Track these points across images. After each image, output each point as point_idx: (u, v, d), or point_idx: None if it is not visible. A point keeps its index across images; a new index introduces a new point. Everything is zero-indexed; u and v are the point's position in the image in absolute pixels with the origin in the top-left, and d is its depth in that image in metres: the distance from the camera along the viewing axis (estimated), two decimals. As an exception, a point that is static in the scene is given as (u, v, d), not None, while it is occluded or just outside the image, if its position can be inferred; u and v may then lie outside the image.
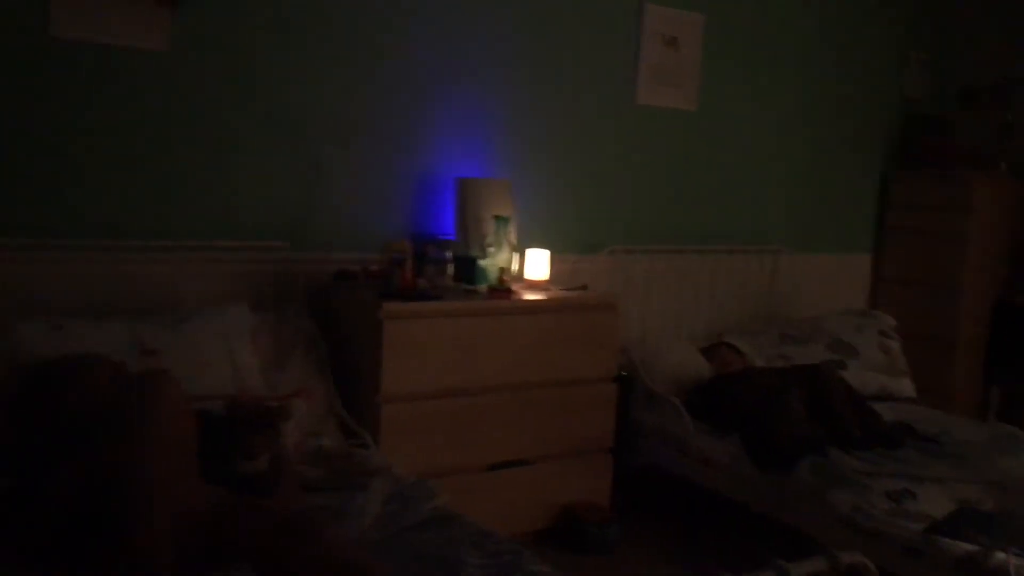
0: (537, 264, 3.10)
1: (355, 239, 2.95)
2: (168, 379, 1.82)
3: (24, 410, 1.90)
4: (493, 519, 2.42)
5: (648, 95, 3.58)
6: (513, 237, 2.95)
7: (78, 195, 2.51)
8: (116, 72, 2.52)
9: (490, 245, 2.91)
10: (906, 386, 3.68)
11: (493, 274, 2.86)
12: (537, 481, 2.86)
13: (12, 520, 1.68)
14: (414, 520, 1.93)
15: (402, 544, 1.86)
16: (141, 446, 1.61)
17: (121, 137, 2.56)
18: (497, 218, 2.91)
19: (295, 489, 1.99)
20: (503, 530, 2.04)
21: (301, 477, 2.10)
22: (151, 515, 1.55)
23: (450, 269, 2.86)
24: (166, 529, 1.55)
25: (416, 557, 1.80)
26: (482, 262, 2.88)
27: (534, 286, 3.04)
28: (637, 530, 3.01)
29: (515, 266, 2.98)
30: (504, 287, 2.82)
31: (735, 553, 2.89)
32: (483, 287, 2.83)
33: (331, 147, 2.87)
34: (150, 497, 1.57)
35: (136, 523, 1.54)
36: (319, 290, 2.86)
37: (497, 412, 2.75)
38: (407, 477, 2.14)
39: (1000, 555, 2.07)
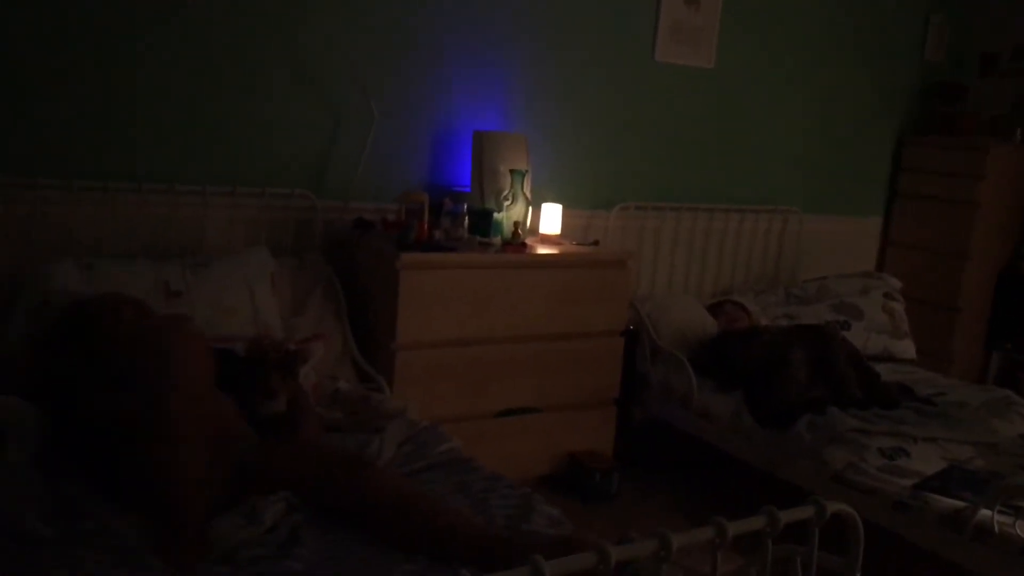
0: (551, 219, 3.15)
1: (373, 189, 3.01)
2: (188, 322, 1.87)
3: (58, 343, 1.99)
4: (500, 464, 2.50)
5: (666, 52, 3.58)
6: (528, 191, 3.00)
7: (108, 139, 2.57)
8: (142, 12, 2.56)
9: (506, 199, 2.95)
10: (908, 348, 3.75)
11: (508, 228, 2.91)
12: (544, 429, 2.96)
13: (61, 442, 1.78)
14: (428, 462, 2.02)
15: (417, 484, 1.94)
16: (168, 391, 1.63)
17: (148, 82, 2.60)
18: (513, 172, 2.95)
19: (317, 430, 2.08)
20: (510, 474, 2.13)
21: (321, 418, 2.18)
22: (182, 470, 1.60)
23: (466, 221, 2.92)
24: (197, 479, 1.61)
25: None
26: (497, 215, 2.93)
27: (547, 240, 3.10)
28: (638, 480, 3.11)
29: (529, 220, 3.04)
30: (518, 241, 2.88)
31: (732, 504, 2.98)
32: (497, 240, 2.89)
33: (355, 96, 2.91)
34: (180, 449, 1.61)
35: (168, 477, 1.59)
36: (338, 238, 2.92)
37: (507, 362, 2.83)
38: (420, 421, 2.23)
39: (985, 512, 2.14)
